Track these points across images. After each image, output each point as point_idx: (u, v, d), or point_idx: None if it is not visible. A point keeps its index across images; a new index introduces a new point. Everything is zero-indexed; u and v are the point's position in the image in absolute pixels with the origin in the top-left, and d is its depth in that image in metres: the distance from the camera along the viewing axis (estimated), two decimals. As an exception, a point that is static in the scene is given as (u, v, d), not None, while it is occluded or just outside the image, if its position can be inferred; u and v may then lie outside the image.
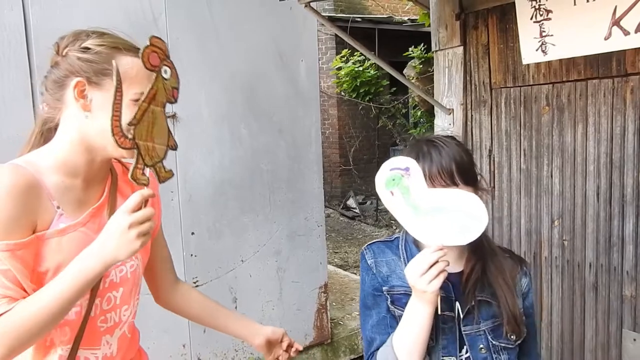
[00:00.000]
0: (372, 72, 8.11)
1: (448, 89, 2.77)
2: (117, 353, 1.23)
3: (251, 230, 3.24)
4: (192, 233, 2.98)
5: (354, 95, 8.36)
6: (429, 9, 2.92)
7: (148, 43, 1.02)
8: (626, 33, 1.98)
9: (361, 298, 1.36)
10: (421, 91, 3.66)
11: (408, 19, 8.43)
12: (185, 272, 2.95)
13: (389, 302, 1.29)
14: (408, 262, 1.19)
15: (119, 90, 1.01)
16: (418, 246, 1.30)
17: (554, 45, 2.23)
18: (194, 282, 2.99)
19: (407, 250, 1.32)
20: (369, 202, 8.69)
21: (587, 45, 2.12)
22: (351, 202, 8.63)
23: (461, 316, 1.26)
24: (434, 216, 1.13)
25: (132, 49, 1.12)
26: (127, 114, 1.04)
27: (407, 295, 1.22)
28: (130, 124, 1.02)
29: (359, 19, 8.19)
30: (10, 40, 2.39)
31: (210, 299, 1.46)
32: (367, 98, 8.32)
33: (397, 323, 1.23)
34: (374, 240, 1.38)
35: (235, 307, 3.21)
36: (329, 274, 4.00)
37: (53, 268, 1.07)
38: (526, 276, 1.34)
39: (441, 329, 1.25)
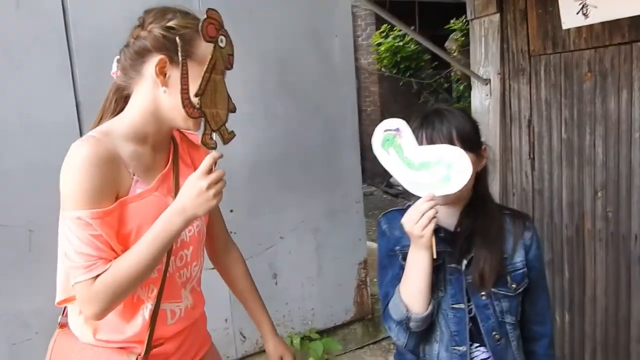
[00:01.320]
0: (412, 47, 7.96)
1: (485, 58, 2.69)
2: (193, 304, 1.37)
3: (289, 207, 3.27)
4: (231, 210, 3.02)
5: (394, 71, 8.24)
6: (464, -24, 2.83)
7: (205, 16, 1.09)
8: (673, -10, 1.87)
9: (378, 262, 1.49)
10: (459, 64, 3.57)
11: (449, -9, 8.19)
12: (225, 249, 3.01)
13: (400, 259, 1.40)
14: None
15: (184, 65, 1.11)
16: None
17: (595, 7, 2.12)
18: (234, 259, 3.05)
19: None
20: (412, 179, 8.58)
21: (632, 6, 2.02)
22: (394, 180, 8.54)
23: (463, 268, 1.37)
24: (424, 170, 1.25)
25: None
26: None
27: None
28: (196, 94, 1.10)
29: (398, -7, 8.02)
30: (50, 25, 2.47)
31: (250, 281, 1.60)
32: (408, 74, 8.19)
33: None
34: (390, 209, 1.49)
35: (276, 284, 3.26)
36: (370, 251, 3.99)
37: (135, 229, 1.18)
38: (529, 230, 1.42)
39: (448, 280, 1.37)
